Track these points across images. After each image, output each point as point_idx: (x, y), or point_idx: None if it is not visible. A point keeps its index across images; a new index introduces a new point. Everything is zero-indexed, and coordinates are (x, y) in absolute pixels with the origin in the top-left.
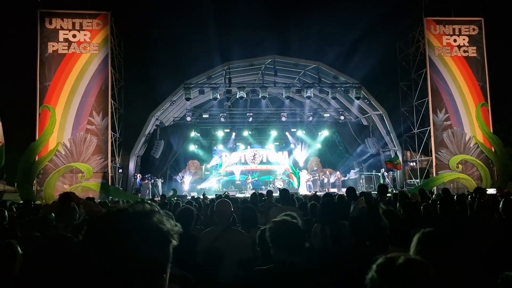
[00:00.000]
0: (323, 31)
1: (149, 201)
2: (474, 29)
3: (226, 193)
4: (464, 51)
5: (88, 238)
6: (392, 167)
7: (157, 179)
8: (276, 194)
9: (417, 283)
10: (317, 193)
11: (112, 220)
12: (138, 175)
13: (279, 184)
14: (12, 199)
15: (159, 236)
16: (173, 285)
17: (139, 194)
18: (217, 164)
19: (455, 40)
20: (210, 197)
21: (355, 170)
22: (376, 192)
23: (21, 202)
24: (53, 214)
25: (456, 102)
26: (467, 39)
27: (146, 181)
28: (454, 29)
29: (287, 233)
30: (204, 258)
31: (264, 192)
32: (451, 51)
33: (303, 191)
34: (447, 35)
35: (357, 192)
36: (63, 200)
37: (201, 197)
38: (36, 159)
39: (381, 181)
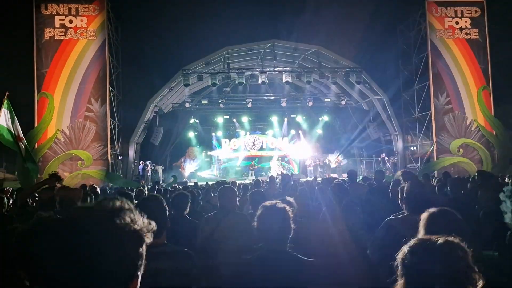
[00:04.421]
0: (323, 14)
1: (119, 197)
2: (476, 11)
3: (224, 179)
4: (466, 34)
5: (41, 242)
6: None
7: (157, 166)
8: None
9: (454, 264)
10: (317, 179)
11: (73, 221)
12: (141, 162)
13: (280, 170)
14: (12, 187)
15: (131, 236)
16: (176, 262)
17: (143, 181)
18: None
19: (457, 23)
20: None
21: (342, 158)
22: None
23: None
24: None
25: (457, 86)
26: (469, 21)
27: (147, 168)
28: (456, 11)
29: (271, 220)
30: (206, 243)
31: (265, 178)
32: (452, 33)
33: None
34: (449, 17)
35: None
36: (51, 181)
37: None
38: (36, 146)
39: (381, 166)
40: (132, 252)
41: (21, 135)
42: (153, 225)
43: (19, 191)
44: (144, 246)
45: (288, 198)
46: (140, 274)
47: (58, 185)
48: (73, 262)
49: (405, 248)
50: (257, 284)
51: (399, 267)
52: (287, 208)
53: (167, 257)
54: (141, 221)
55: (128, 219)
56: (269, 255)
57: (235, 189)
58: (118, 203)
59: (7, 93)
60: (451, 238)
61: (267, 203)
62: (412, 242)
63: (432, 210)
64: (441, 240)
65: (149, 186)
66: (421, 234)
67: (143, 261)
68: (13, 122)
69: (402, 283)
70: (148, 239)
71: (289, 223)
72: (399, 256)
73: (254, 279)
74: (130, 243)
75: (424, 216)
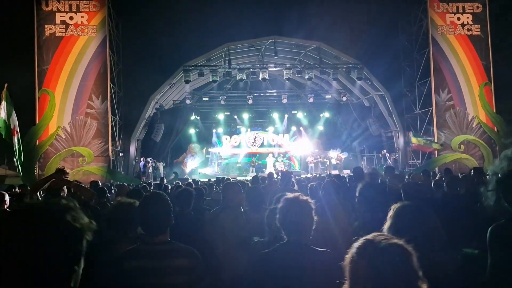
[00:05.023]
0: (324, 10)
1: (65, 198)
2: (478, 7)
3: (224, 176)
4: (468, 30)
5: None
6: (419, 148)
7: (158, 163)
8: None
9: (395, 265)
10: (318, 176)
11: (21, 216)
12: (142, 159)
13: (280, 167)
14: (14, 183)
15: (71, 233)
16: (181, 260)
17: (144, 178)
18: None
19: (458, 18)
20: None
21: (346, 155)
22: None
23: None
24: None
25: (459, 82)
26: (471, 17)
27: (148, 165)
28: (457, 7)
29: (297, 212)
30: (207, 238)
31: (265, 175)
32: (454, 29)
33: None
34: (451, 13)
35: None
36: (57, 175)
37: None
38: (37, 143)
39: (382, 162)
40: (71, 247)
41: (17, 128)
42: (94, 224)
43: (22, 187)
44: (83, 243)
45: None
46: (79, 269)
47: (66, 178)
48: (20, 254)
49: (353, 248)
50: (280, 277)
51: (346, 268)
52: (309, 200)
53: (170, 254)
54: (83, 220)
55: (69, 217)
56: (292, 247)
57: (240, 185)
58: (64, 202)
59: (6, 85)
60: (395, 240)
61: (289, 195)
62: (359, 242)
63: (403, 203)
64: (384, 242)
65: (155, 183)
66: (387, 224)
67: (82, 257)
68: (10, 114)
69: (347, 286)
70: (89, 237)
71: (312, 215)
72: (348, 256)
73: (276, 271)
74: (70, 239)
75: (394, 207)
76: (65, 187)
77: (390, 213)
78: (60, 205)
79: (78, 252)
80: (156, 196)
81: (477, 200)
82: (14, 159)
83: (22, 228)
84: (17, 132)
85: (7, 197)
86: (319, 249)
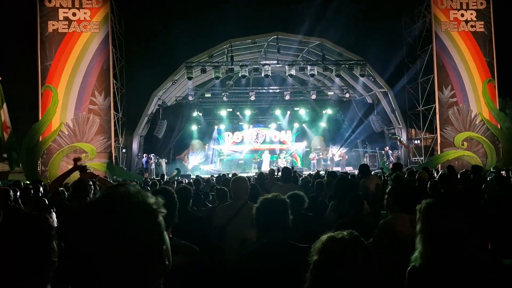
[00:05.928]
0: (327, 6)
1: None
2: (481, 3)
3: (227, 173)
4: (472, 26)
5: (84, 223)
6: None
7: (160, 159)
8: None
9: (340, 260)
10: (320, 172)
11: (105, 205)
12: (145, 155)
13: (282, 164)
14: (17, 179)
15: (148, 211)
16: (178, 257)
17: (147, 174)
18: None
19: (462, 15)
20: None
21: (346, 151)
22: (379, 171)
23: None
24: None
25: (462, 79)
26: (474, 13)
27: (151, 161)
28: (461, 3)
29: (268, 212)
30: (221, 232)
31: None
32: (458, 26)
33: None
34: (454, 9)
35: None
36: (81, 170)
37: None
38: (40, 139)
39: (385, 159)
40: (153, 225)
41: (8, 123)
42: (161, 200)
43: (35, 184)
44: (161, 219)
45: (297, 191)
46: (166, 246)
47: (90, 172)
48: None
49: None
50: (258, 276)
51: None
52: (286, 200)
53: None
54: (152, 199)
55: (142, 198)
56: (268, 247)
57: (247, 180)
58: (131, 187)
59: None
60: (354, 243)
61: (268, 195)
62: (322, 240)
63: (428, 201)
64: (347, 243)
65: (156, 179)
66: (419, 227)
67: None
68: (1, 107)
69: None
70: (162, 212)
71: (288, 214)
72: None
73: (255, 272)
74: (150, 217)
75: (420, 208)
76: (90, 181)
77: (419, 214)
78: (132, 189)
79: (159, 230)
80: (164, 191)
81: (472, 197)
82: (5, 154)
83: (107, 217)
84: (8, 127)
85: (11, 193)
86: (301, 245)
